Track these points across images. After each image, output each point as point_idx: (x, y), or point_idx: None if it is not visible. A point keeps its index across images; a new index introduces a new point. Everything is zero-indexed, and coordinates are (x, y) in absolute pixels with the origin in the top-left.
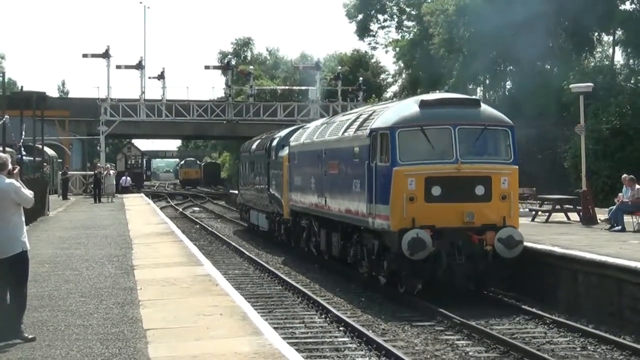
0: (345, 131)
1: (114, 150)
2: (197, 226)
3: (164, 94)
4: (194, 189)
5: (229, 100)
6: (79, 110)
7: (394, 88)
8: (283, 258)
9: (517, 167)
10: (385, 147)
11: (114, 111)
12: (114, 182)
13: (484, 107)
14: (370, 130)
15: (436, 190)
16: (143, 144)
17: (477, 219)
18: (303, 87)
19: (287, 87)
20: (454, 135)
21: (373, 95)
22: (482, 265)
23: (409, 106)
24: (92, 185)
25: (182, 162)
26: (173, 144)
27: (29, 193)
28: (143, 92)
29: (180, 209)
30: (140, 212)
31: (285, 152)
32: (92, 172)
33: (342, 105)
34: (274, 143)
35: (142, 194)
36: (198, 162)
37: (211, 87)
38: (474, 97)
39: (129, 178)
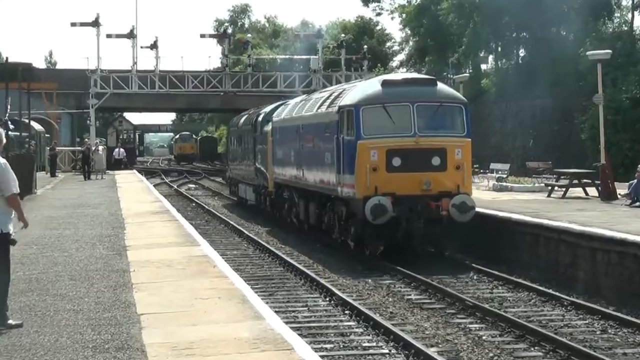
0: (319, 108)
1: (105, 124)
2: (193, 204)
3: (157, 65)
4: (190, 164)
5: (226, 71)
6: (67, 82)
7: (401, 56)
8: (268, 229)
9: (470, 140)
10: (351, 122)
11: (104, 83)
12: (104, 159)
13: (440, 86)
14: (339, 107)
15: (396, 161)
16: (135, 118)
17: (433, 186)
18: (304, 57)
19: (287, 57)
20: (412, 112)
21: (378, 65)
22: (438, 229)
23: (373, 85)
24: (81, 162)
25: (177, 136)
26: (167, 118)
27: (13, 183)
28: (135, 63)
29: (175, 186)
30: (132, 189)
31: (269, 127)
32: (81, 148)
33: (345, 75)
34: (260, 118)
35: (135, 171)
36: (194, 136)
37: (207, 56)
38: (430, 76)
39: (122, 149)
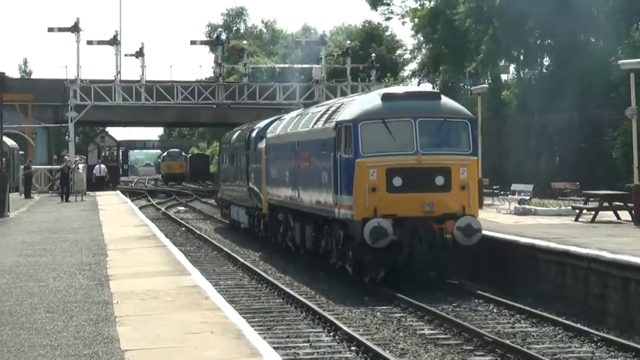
0: (315, 123)
1: (85, 140)
2: (183, 229)
3: (143, 74)
4: (179, 185)
5: (219, 81)
6: (44, 94)
7: (413, 65)
8: (265, 255)
9: (477, 158)
10: (349, 139)
11: (84, 94)
12: (84, 178)
13: (445, 100)
14: (336, 123)
15: (397, 181)
16: (119, 133)
17: (437, 208)
18: (306, 65)
19: (286, 66)
20: (414, 128)
21: (388, 74)
22: (442, 253)
23: (372, 99)
24: (58, 182)
25: (165, 153)
26: (154, 133)
27: None
28: (119, 72)
29: (163, 209)
30: (116, 212)
31: (263, 144)
32: (59, 166)
33: (351, 86)
34: (253, 134)
35: (118, 192)
36: (183, 153)
37: (198, 65)
38: (434, 90)
39: (103, 166)
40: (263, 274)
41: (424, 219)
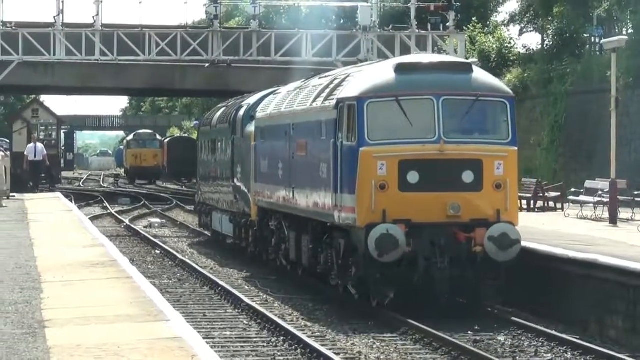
0: (314, 100)
1: (9, 114)
2: (158, 251)
3: (98, 15)
4: (152, 184)
5: (215, 27)
6: None
7: (511, 6)
8: (284, 294)
9: (517, 148)
10: (352, 122)
11: (8, 45)
12: (6, 173)
13: (477, 73)
14: (337, 101)
15: (413, 177)
16: (60, 105)
17: (464, 212)
18: (348, 3)
19: (318, 4)
20: (436, 108)
21: (473, 19)
22: (469, 271)
23: (384, 71)
24: None
25: (130, 137)
26: (114, 105)
27: None
28: (61, 12)
29: (127, 221)
30: (55, 225)
31: (253, 126)
32: None
33: (416, 36)
34: (241, 113)
35: (59, 194)
36: (159, 137)
37: (183, 2)
38: (463, 60)
39: (41, 146)
40: (278, 320)
41: (446, 226)
